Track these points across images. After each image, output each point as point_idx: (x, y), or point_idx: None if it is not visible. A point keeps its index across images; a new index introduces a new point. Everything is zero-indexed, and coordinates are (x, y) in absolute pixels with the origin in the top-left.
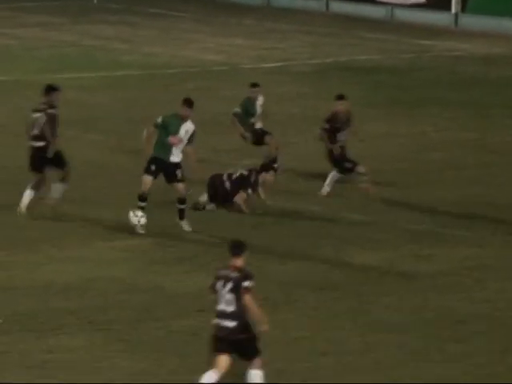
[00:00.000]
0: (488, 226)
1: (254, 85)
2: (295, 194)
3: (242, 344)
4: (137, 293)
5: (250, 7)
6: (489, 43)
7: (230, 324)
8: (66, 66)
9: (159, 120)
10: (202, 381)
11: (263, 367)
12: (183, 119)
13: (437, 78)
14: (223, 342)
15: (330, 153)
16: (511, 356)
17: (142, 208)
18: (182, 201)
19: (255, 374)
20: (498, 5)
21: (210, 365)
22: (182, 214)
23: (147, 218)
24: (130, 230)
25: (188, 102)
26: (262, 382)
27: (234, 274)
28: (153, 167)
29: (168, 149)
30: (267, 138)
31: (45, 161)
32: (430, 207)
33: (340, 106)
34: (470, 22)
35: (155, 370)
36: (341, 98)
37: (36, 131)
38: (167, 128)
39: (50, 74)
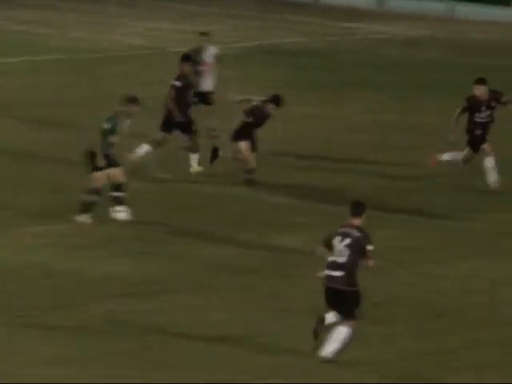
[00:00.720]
0: (407, 209)
1: (203, 33)
2: (221, 177)
3: (344, 298)
4: (57, 278)
5: None
6: (412, 26)
7: (339, 274)
8: None
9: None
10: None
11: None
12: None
13: (361, 61)
14: (331, 293)
15: (471, 134)
16: (429, 337)
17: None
18: (118, 188)
19: (340, 330)
20: None
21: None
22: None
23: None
24: (49, 215)
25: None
26: (342, 338)
27: (355, 232)
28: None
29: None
30: (208, 107)
31: None
32: (353, 189)
33: (476, 91)
34: (394, 4)
35: (74, 355)
36: (480, 82)
37: None
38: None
39: None
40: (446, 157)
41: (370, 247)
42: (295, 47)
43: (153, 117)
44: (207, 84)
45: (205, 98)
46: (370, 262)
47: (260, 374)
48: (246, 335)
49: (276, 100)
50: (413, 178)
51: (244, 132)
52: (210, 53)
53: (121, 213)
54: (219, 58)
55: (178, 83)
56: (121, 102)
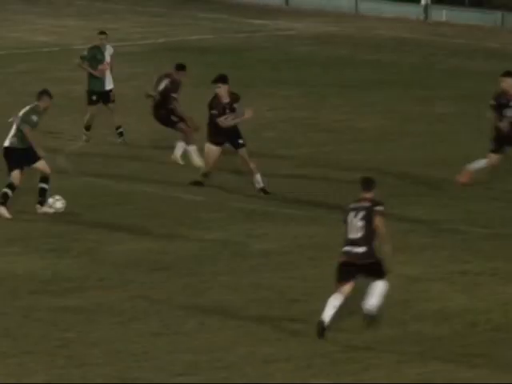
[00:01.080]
0: (319, 205)
1: (102, 32)
2: (131, 174)
3: (370, 267)
4: None
5: None
6: (320, 22)
7: (360, 250)
8: None
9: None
10: (330, 303)
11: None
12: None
13: (269, 58)
14: (351, 267)
15: (498, 130)
16: (342, 334)
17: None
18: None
19: (378, 284)
20: None
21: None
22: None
23: None
24: None
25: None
26: (381, 291)
27: (366, 204)
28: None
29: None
30: (111, 105)
31: None
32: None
33: (504, 84)
34: (301, 1)
35: None
36: (507, 74)
37: None
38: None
39: None
40: (472, 167)
41: (379, 208)
42: (203, 44)
43: (63, 114)
44: (109, 82)
45: (108, 96)
46: (377, 219)
47: (175, 371)
48: (159, 333)
49: (181, 66)
50: (324, 175)
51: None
52: (108, 52)
53: (58, 201)
54: (114, 57)
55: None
56: (37, 96)
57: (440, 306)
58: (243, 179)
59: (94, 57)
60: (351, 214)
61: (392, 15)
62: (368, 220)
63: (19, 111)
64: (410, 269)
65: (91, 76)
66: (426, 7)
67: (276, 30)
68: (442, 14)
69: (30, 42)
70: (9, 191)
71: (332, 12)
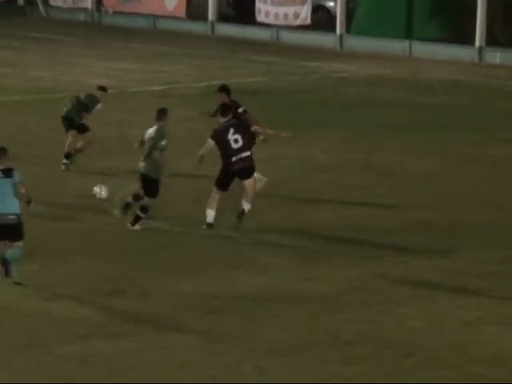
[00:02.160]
0: (373, 246)
1: (102, 89)
2: (184, 216)
3: None
4: (23, 319)
5: (136, 31)
6: (373, 64)
7: None
8: None
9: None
10: None
11: None
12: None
13: (322, 100)
14: None
15: None
16: (398, 377)
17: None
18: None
19: None
20: (382, 26)
21: None
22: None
23: None
24: None
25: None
26: None
27: None
28: None
29: None
30: (89, 134)
31: None
32: (318, 229)
33: None
34: (355, 43)
35: None
36: None
37: None
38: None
39: None
40: None
41: None
42: (256, 86)
43: (119, 156)
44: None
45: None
46: None
47: None
48: (214, 375)
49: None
50: (377, 217)
51: None
52: (97, 108)
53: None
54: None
55: None
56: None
57: (496, 349)
58: (297, 220)
59: (86, 106)
60: None
61: (446, 58)
62: None
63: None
64: (464, 312)
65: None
66: (480, 50)
67: (329, 73)
68: (496, 57)
69: (85, 84)
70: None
71: (386, 55)
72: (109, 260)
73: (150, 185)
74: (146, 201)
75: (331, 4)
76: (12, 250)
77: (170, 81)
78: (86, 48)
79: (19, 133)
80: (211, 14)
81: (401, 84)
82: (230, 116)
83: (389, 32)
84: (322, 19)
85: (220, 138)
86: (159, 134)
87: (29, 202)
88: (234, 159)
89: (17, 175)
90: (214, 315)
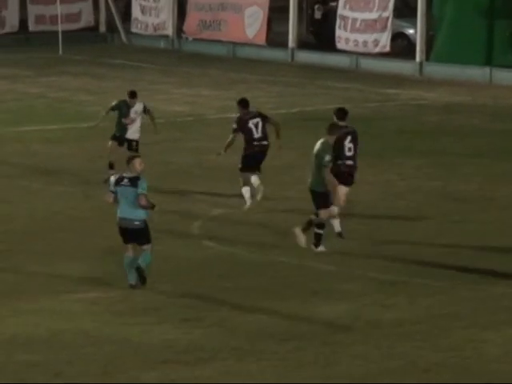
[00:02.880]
0: (451, 275)
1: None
2: (262, 242)
3: None
4: (103, 345)
5: (215, 58)
6: (452, 92)
7: None
8: (32, 118)
9: None
10: None
11: None
12: None
13: (400, 127)
14: None
15: None
16: None
17: None
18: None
19: None
20: (462, 53)
21: None
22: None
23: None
24: (94, 282)
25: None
26: None
27: None
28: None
29: None
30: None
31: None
32: (395, 256)
33: None
34: (435, 70)
35: None
36: None
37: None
38: None
39: (16, 127)
40: None
41: None
42: None
43: (197, 183)
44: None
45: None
46: None
47: None
48: None
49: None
50: (455, 245)
51: None
52: (135, 109)
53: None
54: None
55: None
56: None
57: None
58: (374, 249)
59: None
60: None
61: None
62: None
63: None
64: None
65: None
66: None
67: (408, 100)
68: None
69: (165, 111)
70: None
71: (465, 81)
72: (187, 287)
73: (319, 198)
74: (321, 216)
75: (411, 31)
76: (142, 257)
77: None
78: (166, 75)
79: (99, 159)
80: (291, 42)
81: (480, 111)
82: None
83: (469, 59)
84: (401, 46)
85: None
86: (323, 148)
87: (152, 208)
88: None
89: (142, 185)
90: (291, 342)
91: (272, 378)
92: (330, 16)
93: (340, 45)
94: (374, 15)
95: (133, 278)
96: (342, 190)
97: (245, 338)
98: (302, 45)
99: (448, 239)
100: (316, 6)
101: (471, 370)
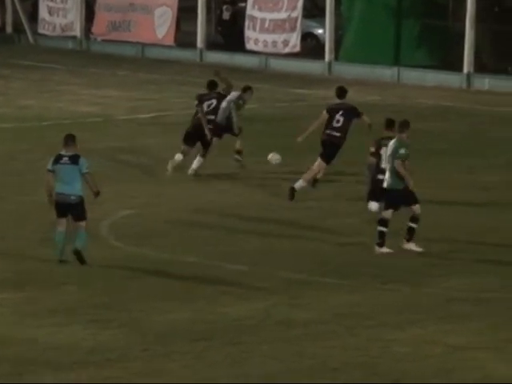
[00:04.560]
0: (361, 275)
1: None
2: (171, 243)
3: None
4: (10, 346)
5: (124, 58)
6: (363, 91)
7: None
8: None
9: None
10: None
11: None
12: None
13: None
14: None
15: None
16: None
17: None
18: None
19: None
20: (370, 53)
21: None
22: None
23: None
24: (2, 283)
25: None
26: None
27: None
28: None
29: None
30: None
31: None
32: (305, 255)
33: None
34: (343, 70)
35: None
36: None
37: None
38: None
39: None
40: None
41: None
42: (247, 113)
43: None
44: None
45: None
46: None
47: None
48: None
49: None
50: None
51: None
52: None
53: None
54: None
55: None
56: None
57: (484, 374)
58: (285, 248)
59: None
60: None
61: (434, 84)
62: None
63: None
64: (453, 338)
65: None
66: (468, 76)
67: (318, 99)
68: (485, 83)
69: (73, 112)
70: (383, 228)
71: (374, 81)
72: (97, 288)
73: (404, 195)
74: (415, 210)
75: (320, 31)
76: (78, 238)
77: (158, 108)
78: (74, 75)
79: (11, 160)
80: (200, 42)
81: (389, 110)
82: None
83: (377, 58)
84: (310, 46)
85: None
86: (398, 145)
87: (97, 194)
88: None
89: (83, 164)
90: (201, 342)
91: (183, 378)
92: (238, 16)
93: (249, 45)
94: (282, 15)
95: (62, 254)
96: (321, 165)
97: (154, 338)
98: (211, 45)
99: (363, 238)
100: (224, 7)
101: (379, 369)
